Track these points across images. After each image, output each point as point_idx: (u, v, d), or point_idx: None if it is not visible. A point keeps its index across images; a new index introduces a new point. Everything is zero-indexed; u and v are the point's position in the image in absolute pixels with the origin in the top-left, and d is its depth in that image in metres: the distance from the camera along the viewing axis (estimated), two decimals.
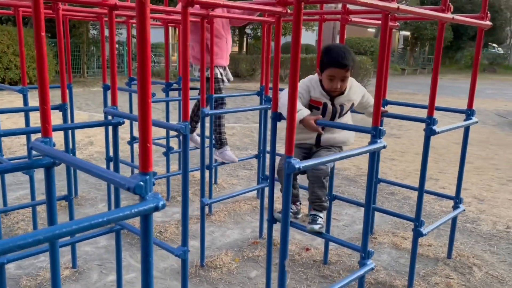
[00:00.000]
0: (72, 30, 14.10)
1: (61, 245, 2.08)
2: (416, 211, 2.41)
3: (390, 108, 3.06)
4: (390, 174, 4.91)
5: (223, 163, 3.96)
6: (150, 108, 1.02)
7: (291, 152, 1.49)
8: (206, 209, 3.58)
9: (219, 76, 3.80)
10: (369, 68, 14.41)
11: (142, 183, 1.05)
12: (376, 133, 1.86)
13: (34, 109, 2.67)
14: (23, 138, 5.71)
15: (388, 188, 4.42)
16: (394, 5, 1.66)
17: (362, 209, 3.57)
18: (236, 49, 23.28)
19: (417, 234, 2.40)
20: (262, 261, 2.88)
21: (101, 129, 6.63)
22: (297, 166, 1.48)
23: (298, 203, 2.63)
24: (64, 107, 2.57)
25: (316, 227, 2.31)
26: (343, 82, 2.32)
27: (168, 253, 2.90)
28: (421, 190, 2.36)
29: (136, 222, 3.08)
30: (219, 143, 3.91)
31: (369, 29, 28.37)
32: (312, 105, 2.43)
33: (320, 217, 2.38)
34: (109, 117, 2.10)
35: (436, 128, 2.27)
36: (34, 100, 3.05)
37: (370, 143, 1.87)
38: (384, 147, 1.88)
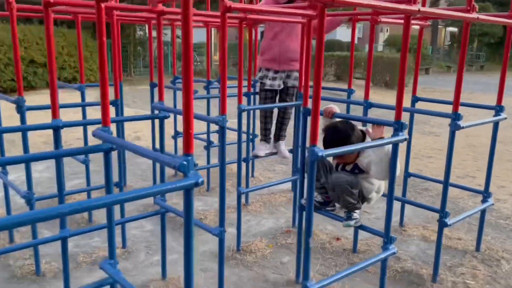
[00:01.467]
0: (121, 29, 14.77)
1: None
2: (441, 202, 2.51)
3: (420, 105, 3.16)
4: (425, 171, 4.94)
5: (256, 157, 3.97)
6: (192, 99, 1.24)
7: (315, 141, 1.67)
8: (243, 199, 3.81)
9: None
10: (411, 66, 14.16)
11: (185, 162, 1.27)
12: (398, 126, 2.00)
13: (92, 104, 3.00)
14: (77, 133, 6.18)
15: (422, 184, 4.47)
16: (415, 7, 1.79)
17: (395, 203, 3.68)
18: None
19: (442, 225, 2.51)
20: (294, 248, 3.05)
21: (147, 125, 7.03)
22: (320, 154, 1.65)
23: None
24: (117, 103, 2.87)
25: (352, 222, 2.41)
26: (343, 158, 2.38)
27: (207, 238, 3.16)
28: (446, 182, 2.46)
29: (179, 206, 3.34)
30: (283, 135, 3.96)
31: (414, 26, 27.65)
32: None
33: (355, 213, 2.44)
34: (156, 112, 2.36)
35: (461, 123, 2.37)
36: (86, 97, 3.39)
37: (393, 135, 2.01)
38: (405, 139, 2.01)
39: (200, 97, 3.60)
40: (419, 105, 3.18)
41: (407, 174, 3.28)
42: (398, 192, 4.02)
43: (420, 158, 5.56)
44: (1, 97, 2.62)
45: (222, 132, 2.20)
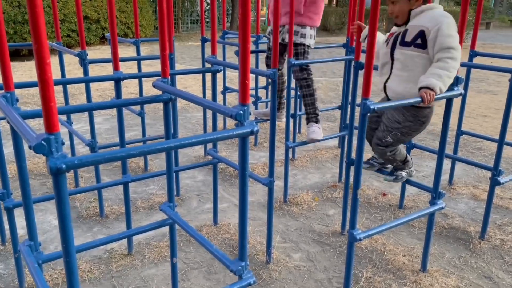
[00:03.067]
0: None
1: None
2: (494, 160, 2.46)
3: (479, 60, 3.03)
4: (479, 130, 4.77)
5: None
6: (249, 51, 1.29)
7: (367, 94, 1.68)
8: (290, 154, 3.89)
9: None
10: (470, 20, 13.27)
11: (241, 112, 1.33)
12: (454, 80, 1.95)
13: (150, 57, 3.11)
14: (130, 88, 6.43)
15: (475, 144, 4.34)
16: None
17: (446, 162, 3.62)
18: (326, 1, 22.60)
19: (494, 183, 2.47)
20: (340, 202, 3.13)
21: (196, 81, 7.18)
22: (372, 107, 1.67)
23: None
24: (171, 57, 2.96)
25: (391, 178, 2.37)
26: (392, 4, 2.11)
27: (255, 189, 3.29)
28: (501, 140, 2.40)
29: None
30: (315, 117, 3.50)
31: None
32: (388, 38, 2.23)
33: (400, 172, 2.38)
34: (208, 66, 2.42)
35: None
36: (130, 52, 3.48)
37: (448, 90, 1.97)
38: (460, 94, 1.97)
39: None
40: (477, 60, 3.04)
41: (459, 132, 3.21)
42: (449, 150, 3.95)
43: (475, 117, 5.36)
44: (65, 51, 2.78)
45: (273, 85, 2.24)
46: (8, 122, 1.45)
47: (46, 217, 2.88)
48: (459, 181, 3.47)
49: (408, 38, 2.03)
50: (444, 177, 3.47)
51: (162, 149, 1.21)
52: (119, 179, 2.37)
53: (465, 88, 3.06)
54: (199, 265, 2.40)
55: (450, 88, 1.96)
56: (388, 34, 2.25)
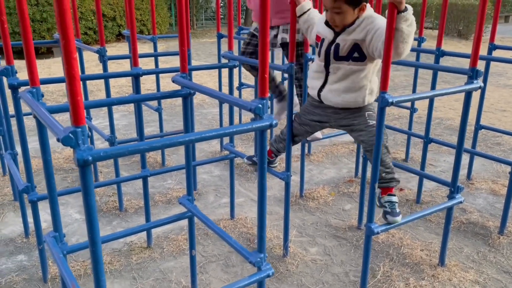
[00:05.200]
0: None
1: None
2: None
3: (498, 53, 2.99)
4: (498, 125, 4.70)
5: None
6: (267, 45, 1.30)
7: (385, 88, 1.68)
8: (306, 149, 3.89)
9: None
10: (488, 13, 13.05)
11: (260, 105, 1.35)
12: (473, 74, 1.94)
13: (167, 54, 3.15)
14: (147, 84, 6.49)
15: (494, 139, 4.29)
16: None
17: (464, 157, 3.59)
18: None
19: None
20: (357, 196, 3.13)
21: (212, 77, 7.22)
22: (390, 100, 1.67)
23: (276, 156, 2.60)
24: (188, 53, 2.99)
25: (399, 218, 1.98)
26: (336, 14, 1.93)
27: (271, 184, 3.31)
28: None
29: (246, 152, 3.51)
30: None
31: None
32: (316, 43, 2.14)
33: (396, 202, 2.07)
34: (225, 61, 2.45)
35: None
36: (146, 49, 3.52)
37: (466, 83, 1.96)
38: (480, 87, 1.95)
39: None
40: (496, 53, 3.00)
41: (478, 126, 3.17)
42: (467, 144, 3.91)
43: (493, 112, 5.28)
44: (85, 48, 2.83)
45: (290, 80, 2.25)
46: (34, 117, 1.49)
47: (67, 211, 2.95)
48: (478, 176, 3.43)
49: (343, 52, 1.98)
50: (462, 172, 3.44)
51: (184, 142, 1.24)
52: (138, 173, 2.41)
53: (484, 82, 3.02)
54: (216, 258, 2.44)
55: (469, 81, 1.95)
56: (316, 33, 2.13)
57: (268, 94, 1.37)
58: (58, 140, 1.09)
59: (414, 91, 3.41)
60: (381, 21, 1.91)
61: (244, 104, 1.40)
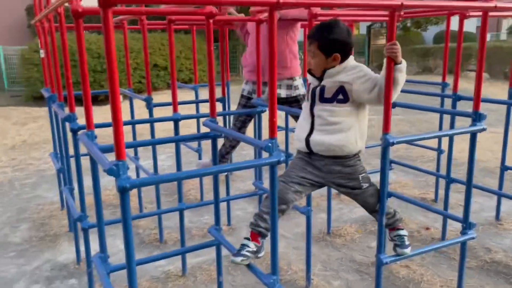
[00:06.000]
0: (230, 34, 15.80)
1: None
2: None
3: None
4: None
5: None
6: (275, 96, 1.57)
7: (387, 129, 1.89)
8: None
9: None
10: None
11: (270, 144, 1.61)
12: (476, 117, 2.10)
13: (203, 101, 3.52)
14: (190, 129, 6.96)
15: None
16: (397, 1, 1.77)
17: (494, 198, 3.62)
18: (383, 41, 22.72)
19: None
20: None
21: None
22: (391, 140, 1.87)
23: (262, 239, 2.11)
24: (224, 100, 3.34)
25: (408, 250, 2.13)
26: (311, 58, 2.06)
27: (300, 221, 3.49)
28: None
29: None
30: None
31: None
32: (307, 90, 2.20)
33: (404, 235, 2.22)
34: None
35: None
36: (200, 95, 3.93)
37: (470, 125, 2.12)
38: (483, 129, 2.10)
39: None
40: None
41: (504, 167, 3.23)
42: (495, 185, 3.92)
43: None
44: (135, 96, 3.25)
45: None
46: (88, 155, 1.83)
47: (115, 242, 3.27)
48: (508, 218, 3.43)
49: (328, 94, 2.03)
50: (493, 212, 3.46)
51: (208, 173, 1.52)
52: (175, 206, 2.70)
53: (506, 125, 3.12)
54: None
55: (473, 124, 2.11)
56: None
57: (276, 135, 1.62)
58: (104, 170, 1.39)
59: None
60: (368, 70, 2.05)
61: (256, 143, 1.66)
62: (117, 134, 1.34)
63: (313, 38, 2.03)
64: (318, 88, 2.07)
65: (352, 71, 2.03)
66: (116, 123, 1.33)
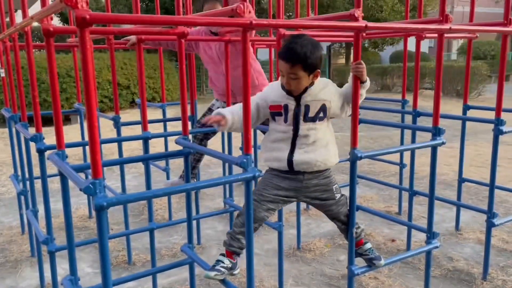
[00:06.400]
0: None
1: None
2: (488, 204, 2.65)
3: (472, 113, 3.29)
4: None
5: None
6: (249, 110, 1.62)
7: (355, 144, 1.97)
8: (304, 204, 4.12)
9: None
10: (484, 74, 13.63)
11: (245, 160, 1.64)
12: (436, 131, 2.23)
13: (173, 119, 3.52)
14: (157, 147, 6.89)
15: (485, 192, 4.47)
16: (362, 23, 1.86)
17: (453, 209, 3.80)
18: (343, 60, 23.51)
19: (490, 225, 2.64)
20: None
21: (216, 138, 7.59)
22: (359, 155, 1.95)
23: (237, 256, 2.11)
24: (192, 118, 3.35)
25: (382, 261, 2.19)
26: (292, 80, 1.99)
27: (270, 238, 3.52)
28: (491, 184, 2.61)
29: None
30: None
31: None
32: (273, 112, 2.10)
33: (371, 247, 2.27)
34: None
35: (504, 128, 2.52)
36: (157, 114, 3.92)
37: (431, 140, 2.24)
38: (443, 143, 2.23)
39: None
40: (472, 113, 3.31)
41: (461, 179, 3.41)
42: (453, 197, 4.11)
43: (486, 167, 5.49)
44: (102, 116, 3.21)
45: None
46: (59, 174, 1.79)
47: (80, 265, 3.16)
48: (467, 227, 3.61)
49: (312, 113, 2.04)
50: (453, 223, 3.63)
51: (181, 190, 1.53)
52: (145, 226, 2.67)
53: (462, 139, 3.30)
54: None
55: (433, 138, 2.23)
56: (267, 106, 2.10)
57: (251, 152, 1.66)
58: (80, 189, 1.38)
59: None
60: (336, 87, 2.13)
61: (231, 159, 1.69)
62: (94, 153, 1.33)
63: (293, 60, 1.94)
64: (302, 108, 2.03)
65: (326, 88, 2.07)
66: (92, 141, 1.33)
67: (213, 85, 3.69)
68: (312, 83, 2.04)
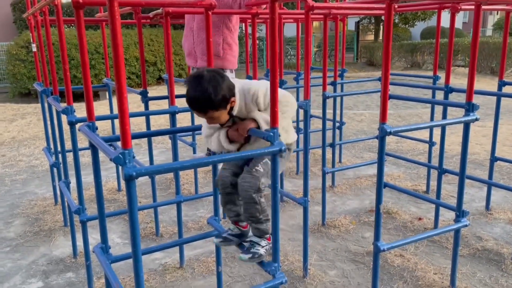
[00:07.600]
0: None
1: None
2: None
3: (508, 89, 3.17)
4: None
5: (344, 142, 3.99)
6: (277, 85, 1.60)
7: (384, 119, 1.93)
8: (330, 182, 4.11)
9: None
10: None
11: (272, 133, 1.63)
12: (469, 107, 2.15)
13: None
14: (183, 123, 6.96)
15: None
16: None
17: (483, 189, 3.71)
18: (372, 37, 22.90)
19: None
20: None
21: None
22: (388, 130, 1.91)
23: (241, 223, 2.08)
24: None
25: (246, 256, 1.87)
26: (213, 120, 1.86)
27: (295, 213, 3.53)
28: None
29: None
30: None
31: None
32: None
33: (260, 244, 1.92)
34: None
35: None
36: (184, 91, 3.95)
37: (464, 115, 2.17)
38: (476, 119, 2.16)
39: (289, 87, 3.96)
40: (507, 89, 3.18)
41: (493, 158, 3.31)
42: (484, 177, 4.00)
43: None
44: (130, 90, 3.25)
45: (306, 115, 2.54)
46: (90, 145, 1.83)
47: (110, 236, 3.27)
48: (498, 207, 3.52)
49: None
50: (483, 202, 3.55)
51: (208, 162, 1.54)
52: (173, 199, 2.72)
53: (496, 117, 3.19)
54: (242, 279, 2.66)
55: (466, 114, 2.16)
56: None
57: (278, 125, 1.65)
58: (110, 159, 1.41)
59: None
60: (255, 85, 1.89)
61: (259, 133, 1.68)
62: (124, 124, 1.35)
63: (202, 109, 1.80)
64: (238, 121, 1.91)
65: (247, 97, 1.86)
66: (122, 113, 1.34)
67: (183, 44, 3.67)
68: (231, 108, 1.85)
